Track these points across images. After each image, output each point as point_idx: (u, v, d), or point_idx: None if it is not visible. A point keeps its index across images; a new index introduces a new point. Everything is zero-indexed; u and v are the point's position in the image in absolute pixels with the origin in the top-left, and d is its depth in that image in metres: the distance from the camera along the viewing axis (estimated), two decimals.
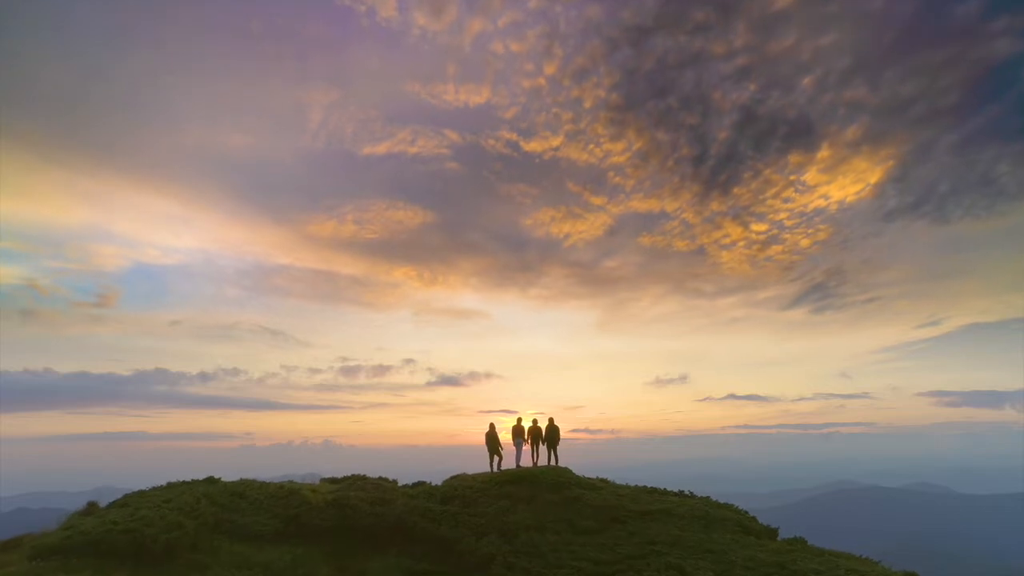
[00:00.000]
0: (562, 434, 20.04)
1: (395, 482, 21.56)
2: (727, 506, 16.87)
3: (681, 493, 18.43)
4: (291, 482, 21.51)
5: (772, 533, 15.99)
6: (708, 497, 18.56)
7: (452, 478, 20.72)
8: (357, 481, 19.71)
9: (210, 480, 16.16)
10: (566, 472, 18.28)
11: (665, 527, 14.32)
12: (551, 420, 19.63)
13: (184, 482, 16.02)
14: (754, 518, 16.34)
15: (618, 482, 19.56)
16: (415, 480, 22.30)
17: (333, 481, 21.53)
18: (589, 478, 19.10)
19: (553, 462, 19.42)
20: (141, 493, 14.64)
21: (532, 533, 14.07)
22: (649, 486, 19.43)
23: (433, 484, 20.70)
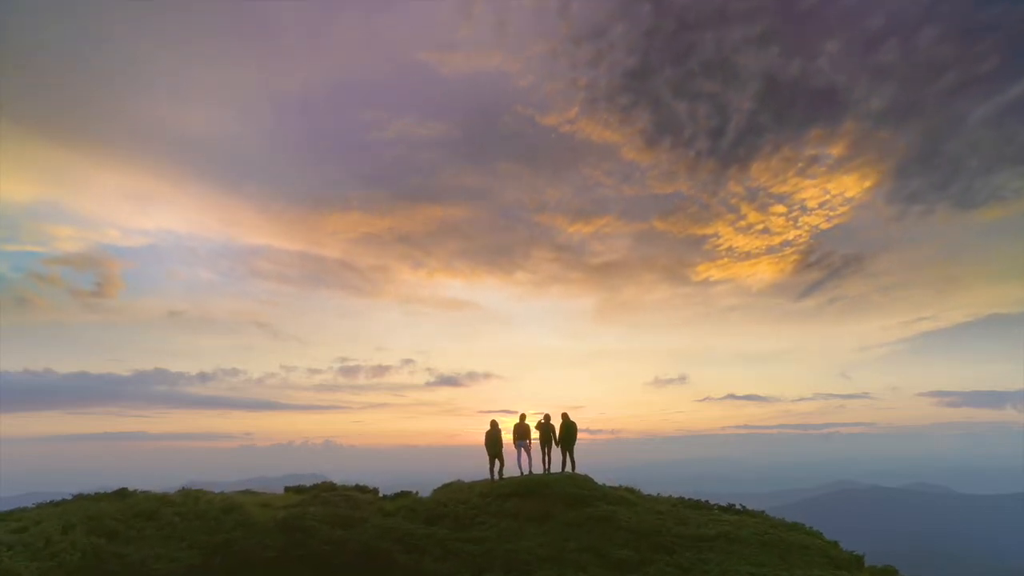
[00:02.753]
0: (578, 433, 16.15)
1: (375, 491, 17.68)
2: (797, 526, 13.07)
3: (732, 508, 14.61)
4: (248, 491, 17.63)
5: (858, 562, 12.21)
6: (763, 512, 14.79)
7: (443, 487, 16.82)
8: (323, 492, 15.78)
9: (120, 494, 12.22)
10: (586, 481, 14.41)
11: (730, 559, 10.49)
12: (565, 416, 15.74)
13: (85, 496, 12.09)
14: (835, 543, 12.55)
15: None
16: (413, 483, 18.48)
17: (299, 490, 17.62)
18: (614, 487, 15.25)
19: (569, 468, 15.54)
20: (16, 512, 10.68)
21: (548, 569, 10.21)
22: (688, 498, 15.62)
23: (420, 495, 16.87)
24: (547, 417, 15.89)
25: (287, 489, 18.12)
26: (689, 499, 15.11)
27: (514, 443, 15.94)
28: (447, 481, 18.70)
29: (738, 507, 14.74)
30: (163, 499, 11.87)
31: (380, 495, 17.25)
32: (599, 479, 15.58)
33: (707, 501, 15.52)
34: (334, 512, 12.86)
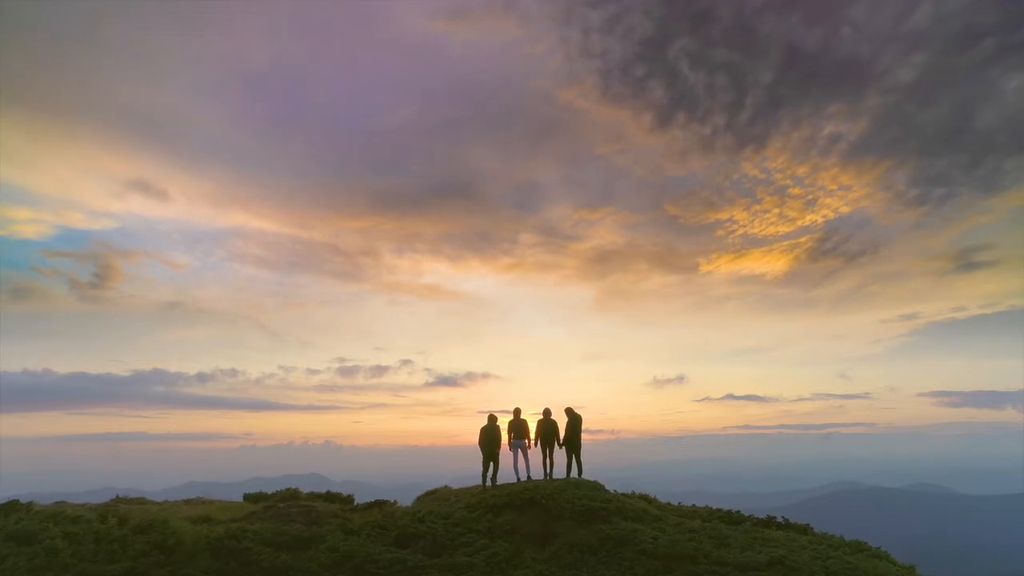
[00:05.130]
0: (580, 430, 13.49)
1: (349, 499, 15.07)
2: (861, 546, 10.53)
3: (772, 521, 12.07)
4: (200, 499, 14.96)
5: None
6: (808, 526, 12.28)
7: (427, 495, 14.28)
8: (280, 502, 13.18)
9: (6, 508, 9.59)
10: (596, 489, 11.84)
11: None
12: (570, 411, 13.15)
13: None
14: (911, 567, 10.04)
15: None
16: (411, 485, 15.86)
17: (257, 498, 15.03)
18: (627, 495, 12.72)
19: (575, 473, 12.97)
20: None
21: None
22: (717, 508, 13.08)
23: (399, 504, 14.32)
24: (548, 412, 13.29)
25: (246, 496, 15.55)
26: (720, 510, 12.58)
27: (509, 444, 13.29)
28: (443, 483, 16.18)
29: (779, 520, 12.21)
30: (56, 515, 9.26)
31: (354, 504, 14.70)
32: (601, 482, 13.02)
33: (739, 512, 12.99)
34: (284, 529, 10.29)
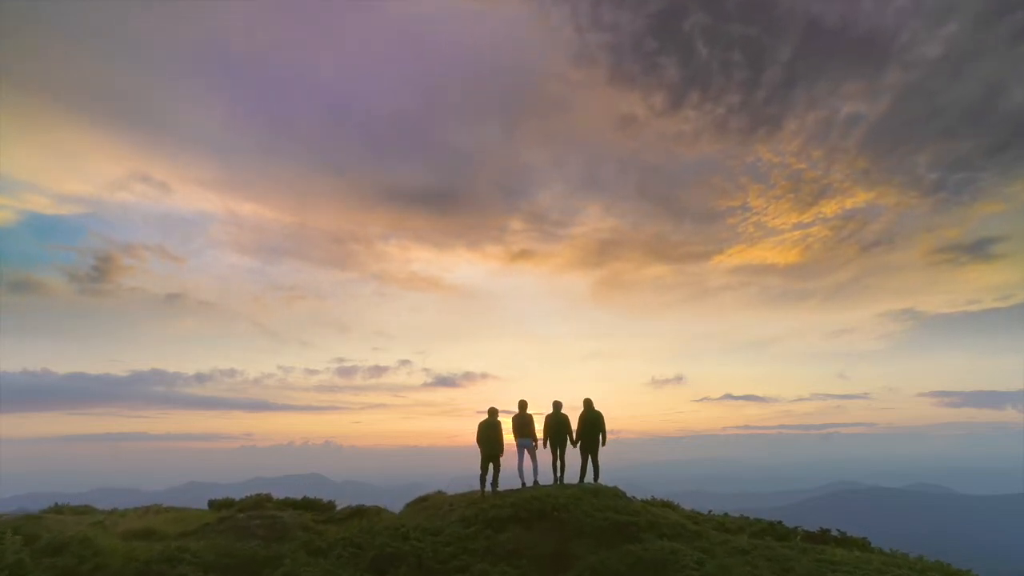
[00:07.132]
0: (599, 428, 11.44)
1: (330, 506, 13.17)
2: (943, 566, 8.60)
3: (826, 535, 10.12)
4: (155, 506, 12.99)
5: None
6: (865, 540, 10.37)
7: (417, 502, 12.33)
8: (240, 512, 11.18)
9: None
10: (619, 497, 9.85)
11: None
12: (588, 403, 11.14)
13: None
14: None
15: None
16: (411, 486, 14.01)
17: (221, 506, 13.05)
18: (655, 504, 10.75)
19: (591, 477, 10.97)
20: None
21: None
22: (756, 519, 11.12)
23: (386, 510, 12.40)
24: (558, 405, 11.28)
25: (211, 503, 13.58)
26: (762, 521, 10.61)
27: (515, 443, 11.25)
28: (443, 485, 14.23)
29: (834, 533, 10.27)
30: None
31: (333, 511, 12.73)
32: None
33: (780, 522, 11.03)
34: (234, 549, 8.29)
